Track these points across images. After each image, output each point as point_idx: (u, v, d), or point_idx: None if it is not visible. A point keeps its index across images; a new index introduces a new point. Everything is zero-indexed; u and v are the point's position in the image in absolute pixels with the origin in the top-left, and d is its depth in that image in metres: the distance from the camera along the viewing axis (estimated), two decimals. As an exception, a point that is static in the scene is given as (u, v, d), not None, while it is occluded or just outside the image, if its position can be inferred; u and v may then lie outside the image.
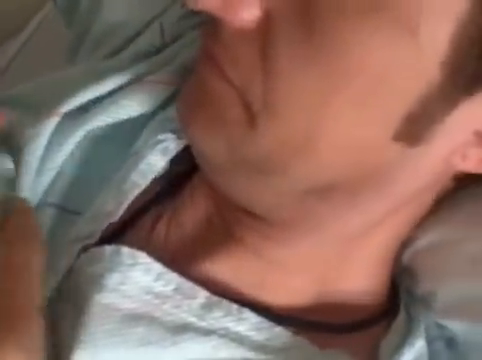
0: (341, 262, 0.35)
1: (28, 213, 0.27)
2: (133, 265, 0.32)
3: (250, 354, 0.32)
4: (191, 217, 0.35)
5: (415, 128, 0.28)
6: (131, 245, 0.33)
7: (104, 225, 0.33)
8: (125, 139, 0.37)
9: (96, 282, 0.31)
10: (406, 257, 0.37)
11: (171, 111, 0.36)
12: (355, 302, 0.35)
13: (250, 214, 0.33)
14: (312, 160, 0.29)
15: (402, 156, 0.29)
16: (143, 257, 0.32)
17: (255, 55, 0.28)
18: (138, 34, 0.41)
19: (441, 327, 0.35)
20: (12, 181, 0.34)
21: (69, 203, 0.34)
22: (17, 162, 0.34)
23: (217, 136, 0.30)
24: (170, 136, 0.36)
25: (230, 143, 0.30)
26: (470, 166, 0.31)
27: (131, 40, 0.41)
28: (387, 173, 0.30)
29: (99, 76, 0.38)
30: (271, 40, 0.28)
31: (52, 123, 0.35)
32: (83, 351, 0.30)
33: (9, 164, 0.35)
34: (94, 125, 0.36)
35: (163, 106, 0.37)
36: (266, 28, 0.28)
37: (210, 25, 0.30)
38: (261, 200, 0.32)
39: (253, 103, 0.29)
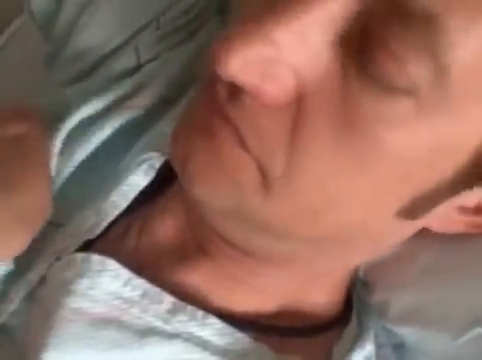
0: (307, 284, 0.37)
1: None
2: (102, 271, 0.33)
3: (212, 358, 0.34)
4: (162, 227, 0.37)
5: (419, 208, 0.29)
6: (102, 252, 0.34)
7: (81, 241, 0.35)
8: (112, 156, 0.39)
9: (66, 287, 0.33)
10: (361, 270, 0.40)
11: (155, 131, 0.38)
12: (314, 311, 0.37)
13: (229, 243, 0.34)
14: (318, 229, 0.30)
15: (395, 225, 0.31)
16: (112, 264, 0.34)
17: (281, 129, 0.28)
18: (111, 55, 0.43)
19: (390, 334, 0.38)
20: None
21: (52, 215, 0.36)
22: None
23: (225, 195, 0.30)
24: (155, 154, 0.38)
25: (238, 203, 0.30)
26: (443, 227, 0.33)
27: (104, 61, 0.43)
28: (377, 235, 0.32)
29: (80, 99, 0.40)
30: (303, 120, 0.27)
31: None
32: (51, 353, 0.32)
33: None
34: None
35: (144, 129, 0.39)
36: (298, 107, 0.27)
37: (224, 86, 0.29)
38: (253, 244, 0.33)
39: (271, 171, 0.29)
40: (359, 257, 0.37)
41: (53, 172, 0.38)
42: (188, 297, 0.35)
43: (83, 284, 0.33)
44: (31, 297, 0.35)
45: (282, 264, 0.35)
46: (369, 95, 0.26)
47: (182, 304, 0.34)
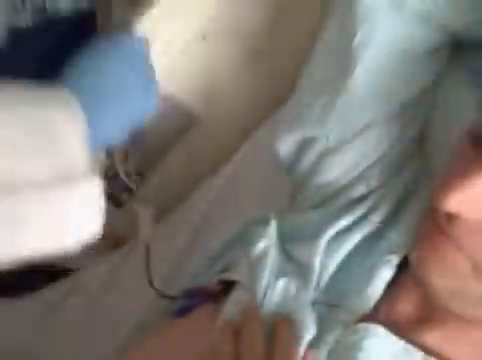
0: None
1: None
2: (376, 335, 0.52)
3: None
4: (405, 303, 0.56)
5: None
6: (369, 322, 0.54)
7: (358, 316, 0.55)
8: (360, 257, 0.58)
9: (356, 346, 0.52)
10: None
11: (390, 239, 0.57)
12: None
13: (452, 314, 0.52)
14: None
15: None
16: (381, 329, 0.53)
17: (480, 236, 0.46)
18: (347, 186, 0.63)
19: None
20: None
21: (331, 298, 0.55)
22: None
23: (451, 281, 0.49)
24: (394, 257, 0.57)
25: (455, 286, 0.49)
26: None
27: (340, 191, 0.63)
28: None
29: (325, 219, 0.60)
30: None
31: None
32: None
33: None
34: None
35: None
36: None
37: (448, 217, 0.47)
38: (464, 311, 0.51)
39: (478, 264, 0.47)
40: None
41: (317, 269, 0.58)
42: (431, 353, 0.53)
43: (367, 343, 0.52)
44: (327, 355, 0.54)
45: None
46: None
47: (429, 357, 0.52)
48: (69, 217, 0.49)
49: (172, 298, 0.66)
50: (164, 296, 0.67)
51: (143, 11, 0.82)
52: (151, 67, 0.59)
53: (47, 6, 1.03)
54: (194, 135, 0.91)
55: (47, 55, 1.03)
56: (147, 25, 0.82)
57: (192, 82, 0.89)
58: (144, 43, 0.60)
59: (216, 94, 0.91)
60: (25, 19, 1.01)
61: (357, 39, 0.62)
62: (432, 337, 0.53)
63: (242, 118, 0.91)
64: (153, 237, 0.72)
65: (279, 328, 0.53)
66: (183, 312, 0.64)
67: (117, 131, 0.55)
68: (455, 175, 0.46)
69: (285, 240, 0.61)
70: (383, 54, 0.62)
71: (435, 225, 0.49)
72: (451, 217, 0.47)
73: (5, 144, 0.46)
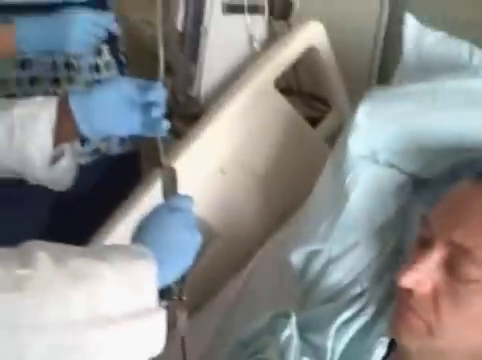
0: None
1: None
2: None
3: None
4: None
5: None
6: None
7: None
8: (359, 340, 0.79)
9: None
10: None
11: (380, 328, 0.79)
12: None
13: None
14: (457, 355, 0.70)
15: None
16: None
17: (430, 305, 0.68)
18: (352, 294, 0.84)
19: None
20: None
21: None
22: None
23: (415, 341, 0.70)
24: (384, 340, 0.77)
25: (420, 343, 0.70)
26: None
27: (345, 292, 0.84)
28: None
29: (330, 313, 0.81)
30: (437, 301, 0.67)
31: None
32: None
33: None
34: None
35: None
36: (435, 294, 0.68)
37: (407, 292, 0.70)
38: None
39: (432, 326, 0.68)
40: None
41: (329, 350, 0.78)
42: None
43: None
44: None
45: None
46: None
47: None
48: (145, 340, 0.65)
49: None
50: None
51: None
52: (193, 219, 0.77)
53: (101, 148, 1.28)
54: (214, 247, 1.13)
55: (97, 188, 1.26)
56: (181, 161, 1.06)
57: (212, 205, 1.12)
58: (189, 200, 0.78)
59: (232, 214, 1.14)
60: (85, 158, 1.25)
61: (348, 179, 0.86)
62: None
63: (253, 233, 1.14)
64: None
65: None
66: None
67: (177, 273, 0.73)
68: (406, 264, 0.71)
69: (302, 329, 0.82)
70: (365, 190, 0.86)
71: (400, 301, 0.72)
72: (409, 292, 0.69)
73: (107, 290, 0.63)
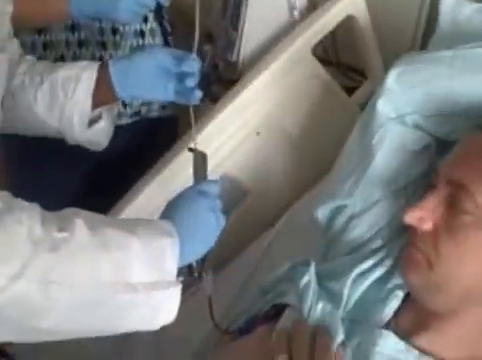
0: None
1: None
2: (388, 336, 0.76)
3: None
4: (407, 317, 0.79)
5: None
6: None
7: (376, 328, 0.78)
8: (375, 288, 0.82)
9: (373, 344, 0.75)
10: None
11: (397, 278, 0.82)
12: None
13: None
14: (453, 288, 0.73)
15: None
16: (391, 333, 0.76)
17: (431, 240, 0.74)
18: (366, 243, 0.88)
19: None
20: None
21: (355, 315, 0.80)
22: None
23: (417, 275, 0.75)
24: (400, 292, 0.81)
25: (421, 277, 0.74)
26: None
27: (361, 245, 0.88)
28: None
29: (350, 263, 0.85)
30: (437, 236, 0.73)
31: None
32: None
33: None
34: None
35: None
36: (435, 230, 0.74)
37: (413, 231, 0.76)
38: (435, 302, 0.76)
39: (431, 259, 0.73)
40: None
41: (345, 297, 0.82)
42: (424, 351, 0.75)
43: (380, 342, 0.75)
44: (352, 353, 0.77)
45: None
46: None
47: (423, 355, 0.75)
48: (160, 309, 0.72)
49: (231, 333, 0.88)
50: (226, 333, 0.88)
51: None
52: (219, 203, 0.81)
53: (142, 111, 1.34)
54: (246, 205, 1.17)
55: (134, 147, 1.31)
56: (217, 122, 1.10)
57: (245, 165, 1.17)
58: (217, 185, 0.83)
59: (264, 174, 1.18)
60: (125, 120, 1.31)
61: (376, 138, 0.89)
62: (424, 340, 0.76)
63: (284, 193, 1.18)
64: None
65: (319, 332, 0.76)
66: (242, 333, 0.88)
67: (199, 252, 0.78)
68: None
69: (321, 278, 0.86)
70: (391, 149, 0.89)
71: (408, 242, 0.77)
72: (413, 229, 0.76)
73: (132, 261, 0.69)
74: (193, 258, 0.79)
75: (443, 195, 0.75)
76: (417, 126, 0.90)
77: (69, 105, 0.95)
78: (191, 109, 0.94)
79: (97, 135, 1.01)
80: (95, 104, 0.96)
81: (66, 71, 0.96)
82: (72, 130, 0.97)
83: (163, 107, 1.39)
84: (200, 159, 0.88)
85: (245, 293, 1.05)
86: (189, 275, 0.82)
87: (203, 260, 0.81)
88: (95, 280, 0.67)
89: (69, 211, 0.71)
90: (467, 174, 0.73)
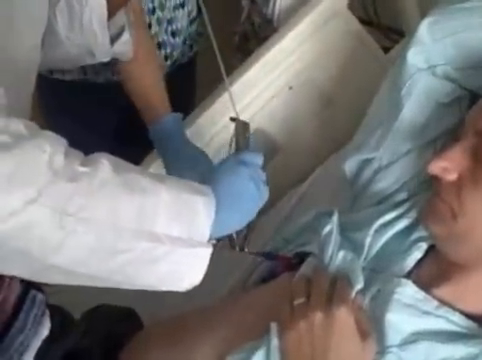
0: None
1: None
2: (407, 285, 0.76)
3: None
4: (428, 269, 0.79)
5: None
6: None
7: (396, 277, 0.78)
8: (398, 240, 0.82)
9: (392, 292, 0.75)
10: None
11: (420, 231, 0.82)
12: None
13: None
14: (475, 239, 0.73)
15: None
16: (410, 282, 0.76)
17: (455, 191, 0.73)
18: (393, 193, 0.87)
19: None
20: None
21: (376, 265, 0.80)
22: None
23: (440, 225, 0.75)
24: (424, 244, 0.80)
25: (444, 227, 0.74)
26: None
27: (388, 196, 0.87)
28: None
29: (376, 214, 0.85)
30: (462, 187, 0.72)
31: None
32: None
33: None
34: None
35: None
36: (460, 181, 0.73)
37: (437, 181, 0.75)
38: (457, 253, 0.75)
39: (455, 209, 0.72)
40: None
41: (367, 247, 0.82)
42: (444, 302, 0.75)
43: (399, 290, 0.75)
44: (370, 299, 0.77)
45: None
46: None
47: (442, 305, 0.75)
48: (184, 269, 0.68)
49: (256, 254, 0.89)
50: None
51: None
52: (262, 174, 0.77)
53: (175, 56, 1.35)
54: (277, 160, 1.18)
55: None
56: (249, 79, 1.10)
57: (278, 120, 1.17)
58: (259, 157, 0.79)
59: (296, 129, 1.18)
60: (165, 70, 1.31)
61: (404, 90, 0.88)
62: (444, 292, 0.76)
63: (315, 149, 1.18)
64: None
65: (339, 279, 0.77)
66: (268, 277, 0.89)
67: (237, 221, 0.74)
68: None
69: (344, 228, 0.86)
70: (420, 101, 0.87)
71: (432, 192, 0.76)
72: (438, 180, 0.75)
73: (159, 210, 0.65)
74: (232, 228, 0.75)
75: (469, 146, 0.74)
76: (448, 78, 0.88)
77: (86, 12, 0.88)
78: (225, 77, 0.90)
79: (122, 46, 0.97)
80: (111, 7, 0.90)
81: None
82: (96, 42, 0.91)
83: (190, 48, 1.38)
84: (241, 128, 0.86)
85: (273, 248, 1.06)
86: (231, 247, 0.79)
87: (245, 233, 0.79)
88: (114, 221, 0.63)
89: (96, 154, 0.67)
90: None
